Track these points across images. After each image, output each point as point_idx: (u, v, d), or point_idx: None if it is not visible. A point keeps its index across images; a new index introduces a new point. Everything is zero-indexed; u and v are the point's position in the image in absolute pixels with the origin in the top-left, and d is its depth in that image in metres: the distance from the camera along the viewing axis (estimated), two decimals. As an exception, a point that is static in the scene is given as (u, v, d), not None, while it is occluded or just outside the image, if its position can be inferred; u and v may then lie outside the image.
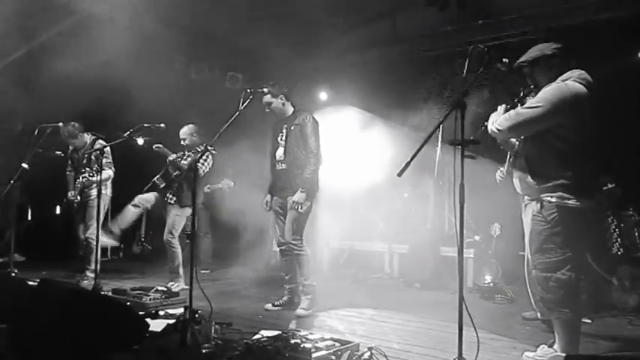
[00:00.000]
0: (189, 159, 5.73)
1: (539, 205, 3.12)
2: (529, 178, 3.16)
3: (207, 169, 5.73)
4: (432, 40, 7.55)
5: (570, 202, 3.03)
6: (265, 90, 4.62)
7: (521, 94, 3.34)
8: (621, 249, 4.92)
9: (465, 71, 3.36)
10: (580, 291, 3.18)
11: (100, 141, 5.73)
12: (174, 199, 5.81)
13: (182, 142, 5.83)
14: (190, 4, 6.75)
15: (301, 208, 4.51)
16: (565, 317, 3.07)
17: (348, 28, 8.15)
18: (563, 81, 3.09)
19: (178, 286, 5.59)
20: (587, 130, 3.10)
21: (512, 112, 3.17)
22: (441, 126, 3.09)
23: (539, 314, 3.86)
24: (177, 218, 5.79)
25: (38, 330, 3.11)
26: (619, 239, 4.95)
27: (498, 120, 3.22)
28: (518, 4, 6.81)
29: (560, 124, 3.05)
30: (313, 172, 4.56)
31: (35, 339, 3.08)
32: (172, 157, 5.66)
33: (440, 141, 6.49)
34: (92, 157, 5.51)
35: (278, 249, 4.89)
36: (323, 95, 8.32)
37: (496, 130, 3.23)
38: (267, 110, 4.76)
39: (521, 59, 3.30)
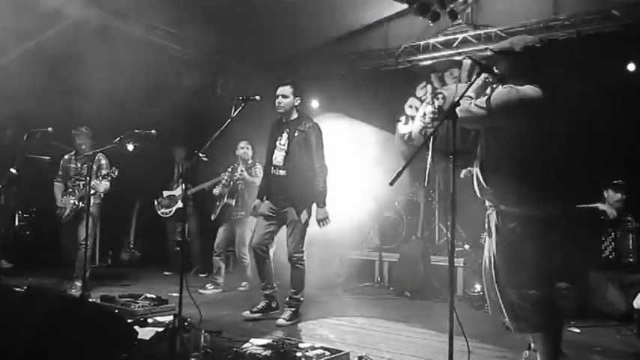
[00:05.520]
0: (244, 170, 6.05)
1: (499, 217, 2.99)
2: (483, 183, 3.05)
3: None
4: (423, 50, 7.62)
5: (529, 211, 2.90)
6: (289, 87, 4.57)
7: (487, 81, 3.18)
8: (613, 253, 4.97)
9: (457, 81, 3.39)
10: (556, 300, 3.10)
11: (101, 154, 5.66)
12: (242, 213, 6.11)
13: (243, 153, 6.20)
14: (181, 12, 6.77)
15: (328, 222, 4.55)
16: (547, 331, 2.98)
17: (339, 37, 8.21)
18: (522, 84, 2.94)
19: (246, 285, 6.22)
20: (544, 135, 2.96)
21: (465, 104, 2.96)
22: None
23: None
24: (246, 230, 6.11)
25: (25, 337, 3.07)
26: (613, 243, 5.00)
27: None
28: (508, 15, 6.90)
29: (510, 131, 2.92)
30: (325, 183, 4.53)
31: (22, 346, 3.03)
32: (238, 173, 6.06)
33: (430, 150, 6.50)
34: (93, 167, 5.44)
35: (253, 253, 4.77)
36: (314, 103, 8.34)
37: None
38: (278, 103, 4.56)
39: (492, 46, 3.16)
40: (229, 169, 6.28)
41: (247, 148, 6.24)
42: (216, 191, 6.30)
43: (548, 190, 2.94)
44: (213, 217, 6.32)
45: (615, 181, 5.11)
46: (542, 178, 2.92)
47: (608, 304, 4.86)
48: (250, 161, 6.23)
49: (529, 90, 2.93)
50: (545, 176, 2.93)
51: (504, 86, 2.98)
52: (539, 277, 2.93)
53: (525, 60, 3.00)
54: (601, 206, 5.10)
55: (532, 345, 3.20)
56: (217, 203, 6.27)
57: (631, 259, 4.94)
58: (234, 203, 6.13)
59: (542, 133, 2.94)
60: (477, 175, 3.11)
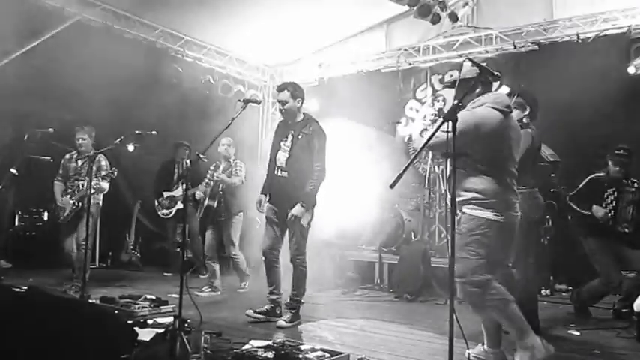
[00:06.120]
0: (221, 174, 5.99)
1: (459, 217, 3.27)
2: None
3: (244, 178, 6.02)
4: (424, 52, 7.63)
5: (484, 213, 3.18)
6: (286, 92, 4.54)
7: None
8: (611, 221, 4.98)
9: (456, 84, 3.42)
10: (494, 291, 3.26)
11: (101, 155, 5.64)
12: (226, 214, 6.05)
13: (225, 150, 6.09)
14: (181, 12, 6.78)
15: (300, 221, 4.46)
16: (487, 315, 3.33)
17: (340, 38, 8.22)
18: (479, 105, 3.26)
19: (245, 285, 6.26)
20: (503, 148, 3.24)
21: (426, 133, 3.32)
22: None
23: None
24: (232, 231, 6.10)
25: (26, 338, 3.06)
26: (612, 211, 5.01)
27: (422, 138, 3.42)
28: (509, 18, 6.91)
29: (471, 148, 3.20)
30: (315, 187, 4.49)
31: (21, 347, 3.03)
32: (217, 174, 5.99)
33: (430, 152, 6.51)
34: (93, 167, 5.42)
35: (263, 258, 4.74)
36: (314, 105, 8.32)
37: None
38: (280, 109, 4.61)
39: (446, 80, 3.39)
40: (212, 168, 6.20)
41: (229, 145, 6.11)
42: (199, 193, 6.18)
43: (503, 198, 3.23)
44: (198, 218, 6.27)
45: (617, 151, 5.09)
46: (499, 185, 3.21)
47: (603, 274, 4.95)
48: (232, 159, 6.13)
49: (484, 111, 3.24)
50: (503, 185, 3.23)
51: (464, 110, 3.27)
52: (482, 267, 3.22)
53: (475, 83, 3.34)
54: (596, 211, 5.08)
55: (485, 342, 3.48)
56: (200, 204, 6.16)
57: (626, 230, 4.95)
58: (216, 205, 6.02)
59: (500, 148, 3.24)
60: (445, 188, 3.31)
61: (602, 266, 4.96)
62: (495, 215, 3.19)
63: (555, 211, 5.89)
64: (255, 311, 4.66)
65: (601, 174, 5.14)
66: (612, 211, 5.00)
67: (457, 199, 3.22)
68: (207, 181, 6.18)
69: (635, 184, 5.01)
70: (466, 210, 3.26)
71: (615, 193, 5.03)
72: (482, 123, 3.17)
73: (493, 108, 3.23)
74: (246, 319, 4.62)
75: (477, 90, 3.36)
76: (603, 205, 5.02)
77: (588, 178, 5.18)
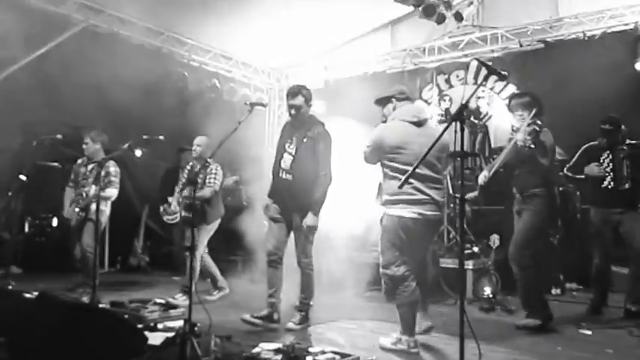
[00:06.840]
0: (198, 175, 5.77)
1: (382, 216, 3.83)
2: (378, 195, 3.89)
3: (219, 185, 5.86)
4: (429, 52, 7.62)
5: (397, 212, 3.68)
6: (300, 97, 4.53)
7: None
8: (612, 182, 4.95)
9: (463, 83, 3.41)
10: (410, 283, 3.70)
11: (111, 161, 5.65)
12: (202, 221, 5.89)
13: (194, 151, 5.83)
14: (184, 15, 6.81)
15: (316, 230, 4.50)
16: (400, 303, 3.72)
17: (345, 40, 8.23)
18: (392, 119, 3.85)
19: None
20: (409, 154, 3.60)
21: (363, 147, 3.85)
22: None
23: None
24: (202, 233, 5.86)
25: (37, 343, 3.08)
26: (611, 173, 4.98)
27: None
28: (514, 16, 6.89)
29: (383, 157, 3.75)
30: (324, 193, 4.48)
31: (34, 352, 3.05)
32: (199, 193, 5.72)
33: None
34: (101, 173, 5.41)
35: (267, 259, 4.66)
36: (320, 106, 8.32)
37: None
38: (293, 112, 4.57)
39: (374, 100, 4.02)
40: (188, 167, 6.03)
41: (198, 145, 5.82)
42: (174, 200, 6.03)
43: (415, 197, 3.66)
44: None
45: (602, 125, 5.06)
46: (408, 188, 3.59)
47: (597, 253, 5.00)
48: (210, 161, 5.71)
49: (392, 124, 3.76)
50: (413, 186, 3.62)
51: (378, 126, 3.87)
52: (397, 260, 3.75)
53: (393, 100, 3.95)
54: (590, 170, 5.04)
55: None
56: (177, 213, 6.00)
57: (627, 186, 4.90)
58: (192, 215, 5.78)
59: (406, 154, 3.62)
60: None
61: (598, 242, 5.04)
62: (408, 212, 3.63)
63: (569, 209, 5.85)
64: (252, 316, 4.51)
65: (595, 142, 5.14)
66: (611, 172, 4.96)
67: (383, 202, 3.80)
68: (183, 181, 6.07)
69: (624, 147, 4.99)
70: (385, 209, 3.76)
71: (610, 155, 5.02)
72: (386, 135, 3.67)
73: (402, 120, 3.72)
74: (244, 319, 4.57)
75: (394, 104, 3.91)
76: (602, 171, 4.99)
77: (583, 147, 5.18)
